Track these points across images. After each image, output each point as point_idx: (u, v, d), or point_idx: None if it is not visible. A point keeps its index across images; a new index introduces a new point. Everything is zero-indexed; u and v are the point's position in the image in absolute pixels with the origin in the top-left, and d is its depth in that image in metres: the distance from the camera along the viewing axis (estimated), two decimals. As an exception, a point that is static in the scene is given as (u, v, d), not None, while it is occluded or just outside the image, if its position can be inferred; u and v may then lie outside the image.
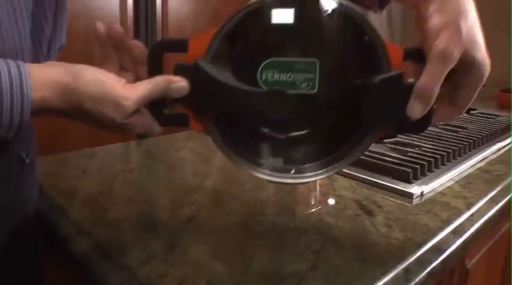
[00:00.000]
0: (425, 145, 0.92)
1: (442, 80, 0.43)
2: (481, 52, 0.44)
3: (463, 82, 0.46)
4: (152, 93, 0.44)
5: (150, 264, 0.49)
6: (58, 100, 0.40)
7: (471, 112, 1.37)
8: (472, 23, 0.44)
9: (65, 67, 0.41)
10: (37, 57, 0.54)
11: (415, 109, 0.45)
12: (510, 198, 0.77)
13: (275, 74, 0.46)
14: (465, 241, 0.61)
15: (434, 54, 0.43)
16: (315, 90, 0.47)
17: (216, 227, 0.59)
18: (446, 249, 0.57)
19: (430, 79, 0.43)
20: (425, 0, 0.46)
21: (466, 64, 0.44)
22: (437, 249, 0.56)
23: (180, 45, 0.45)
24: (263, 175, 0.50)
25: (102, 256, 0.52)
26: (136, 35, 1.76)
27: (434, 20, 0.44)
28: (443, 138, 0.99)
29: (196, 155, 0.89)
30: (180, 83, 0.45)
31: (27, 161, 0.62)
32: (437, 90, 0.44)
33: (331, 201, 0.68)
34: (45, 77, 0.40)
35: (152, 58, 0.46)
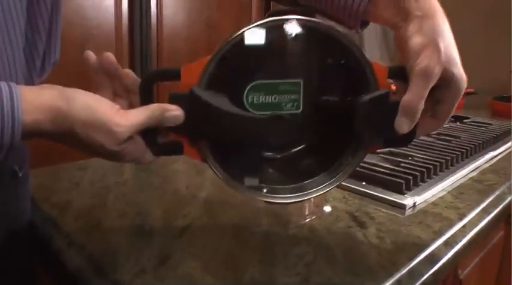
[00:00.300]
0: (418, 155, 0.92)
1: (425, 96, 0.45)
2: (458, 68, 0.47)
3: (443, 96, 0.48)
4: (147, 120, 0.44)
5: (142, 279, 0.49)
6: (50, 124, 0.40)
7: (464, 120, 1.38)
8: (449, 41, 0.47)
9: (59, 91, 0.41)
10: (30, 74, 0.54)
11: (403, 125, 0.46)
12: (504, 208, 0.77)
13: (260, 96, 0.46)
14: (457, 252, 0.61)
15: (417, 72, 0.45)
16: (300, 110, 0.47)
17: (209, 240, 0.59)
18: (438, 260, 0.58)
19: (415, 96, 0.45)
20: (404, 21, 0.48)
21: (446, 80, 0.47)
22: (429, 261, 0.57)
23: (173, 74, 0.45)
24: (264, 198, 0.50)
25: (95, 270, 0.52)
26: (131, 44, 1.76)
27: (415, 40, 0.46)
28: (435, 148, 0.99)
29: (190, 166, 0.89)
30: (175, 112, 0.44)
31: (20, 175, 0.62)
32: (422, 106, 0.46)
33: (325, 210, 0.68)
34: (37, 101, 0.39)
35: (144, 88, 0.46)
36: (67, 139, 0.42)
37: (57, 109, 0.40)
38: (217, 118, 0.45)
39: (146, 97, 0.45)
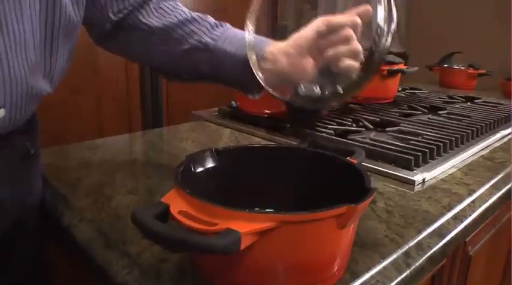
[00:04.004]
0: (428, 134, 0.91)
1: None
2: None
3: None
4: None
5: (151, 251, 0.49)
6: None
7: (475, 101, 1.36)
8: None
9: None
10: None
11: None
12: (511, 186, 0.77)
13: None
14: (466, 227, 0.61)
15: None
16: None
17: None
18: (447, 234, 0.57)
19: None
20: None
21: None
22: (438, 234, 0.57)
23: None
24: None
25: (104, 242, 0.52)
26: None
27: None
28: (446, 126, 0.98)
29: (198, 145, 0.89)
30: None
31: (32, 152, 0.63)
32: None
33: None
34: None
35: None
36: None
37: None
38: None
39: None
